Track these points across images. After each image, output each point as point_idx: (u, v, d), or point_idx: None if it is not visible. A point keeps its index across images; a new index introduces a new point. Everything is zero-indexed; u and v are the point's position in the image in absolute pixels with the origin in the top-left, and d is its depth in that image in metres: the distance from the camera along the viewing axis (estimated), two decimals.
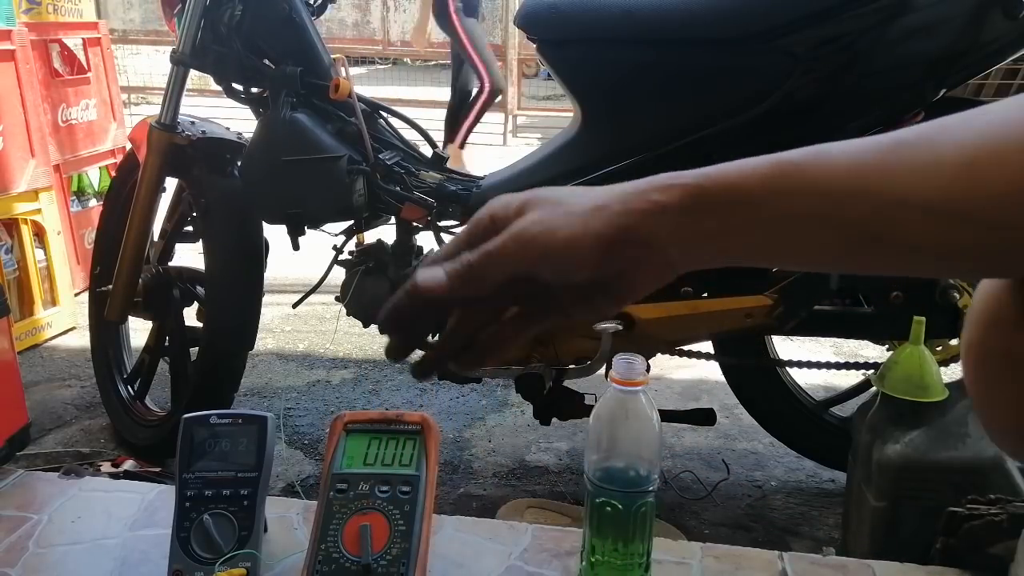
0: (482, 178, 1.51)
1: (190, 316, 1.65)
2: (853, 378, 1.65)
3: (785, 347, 1.96)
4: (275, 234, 1.55)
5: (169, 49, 1.54)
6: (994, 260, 0.38)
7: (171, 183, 1.62)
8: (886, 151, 0.39)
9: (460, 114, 4.04)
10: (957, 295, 1.31)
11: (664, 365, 2.00)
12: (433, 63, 7.77)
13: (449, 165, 1.56)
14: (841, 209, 0.39)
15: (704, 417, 1.42)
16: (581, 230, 0.43)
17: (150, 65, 5.99)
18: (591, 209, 0.43)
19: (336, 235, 1.54)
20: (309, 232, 1.51)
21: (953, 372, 1.51)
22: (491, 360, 0.48)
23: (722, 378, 1.55)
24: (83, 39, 2.61)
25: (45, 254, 2.31)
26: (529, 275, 0.44)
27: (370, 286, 1.50)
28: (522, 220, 0.44)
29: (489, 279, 0.44)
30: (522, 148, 5.19)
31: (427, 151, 1.58)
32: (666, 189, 0.42)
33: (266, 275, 1.59)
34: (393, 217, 1.51)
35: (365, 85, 5.71)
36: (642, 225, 0.42)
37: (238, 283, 1.56)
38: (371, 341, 2.21)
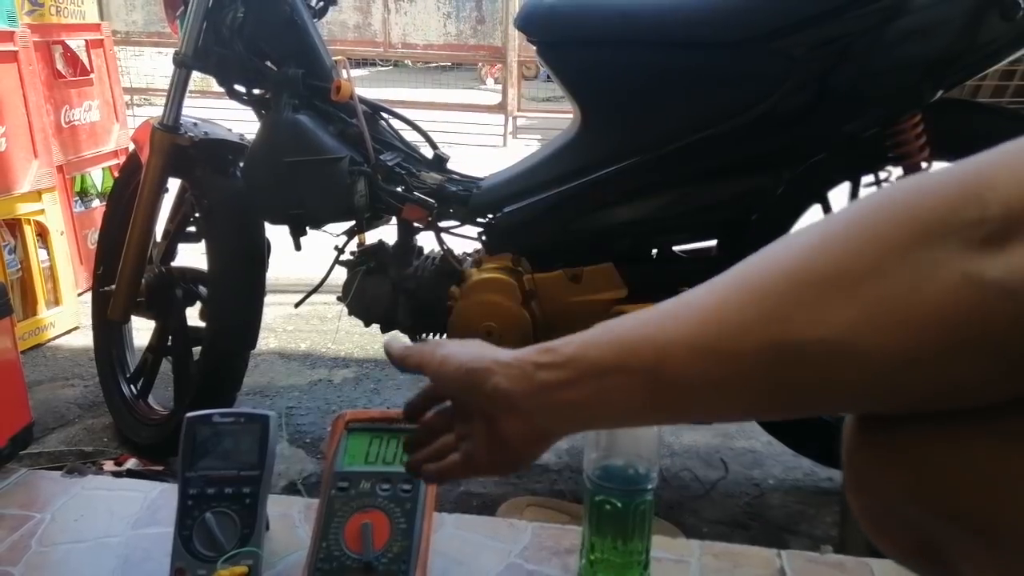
0: (482, 179, 1.52)
1: (192, 316, 1.66)
2: None
3: None
4: (277, 234, 1.56)
5: (171, 51, 1.55)
6: (758, 391, 0.41)
7: (174, 184, 1.63)
8: (671, 304, 0.45)
9: None
10: None
11: None
12: (434, 65, 7.78)
13: None
14: (634, 356, 0.45)
15: None
16: (453, 358, 0.56)
17: (152, 67, 6.00)
18: (475, 348, 0.56)
19: (338, 235, 1.55)
20: (311, 232, 1.52)
21: None
22: (443, 480, 0.63)
23: None
24: (86, 40, 2.62)
25: (48, 254, 2.32)
26: (431, 382, 0.60)
27: (371, 286, 1.51)
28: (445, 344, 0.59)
29: (409, 366, 0.61)
30: (522, 149, 5.19)
31: (428, 152, 1.59)
32: (526, 357, 0.52)
33: (268, 275, 1.60)
34: (394, 217, 1.52)
35: (366, 87, 5.71)
36: (495, 371, 0.52)
37: (240, 283, 1.56)
38: (372, 340, 2.21)
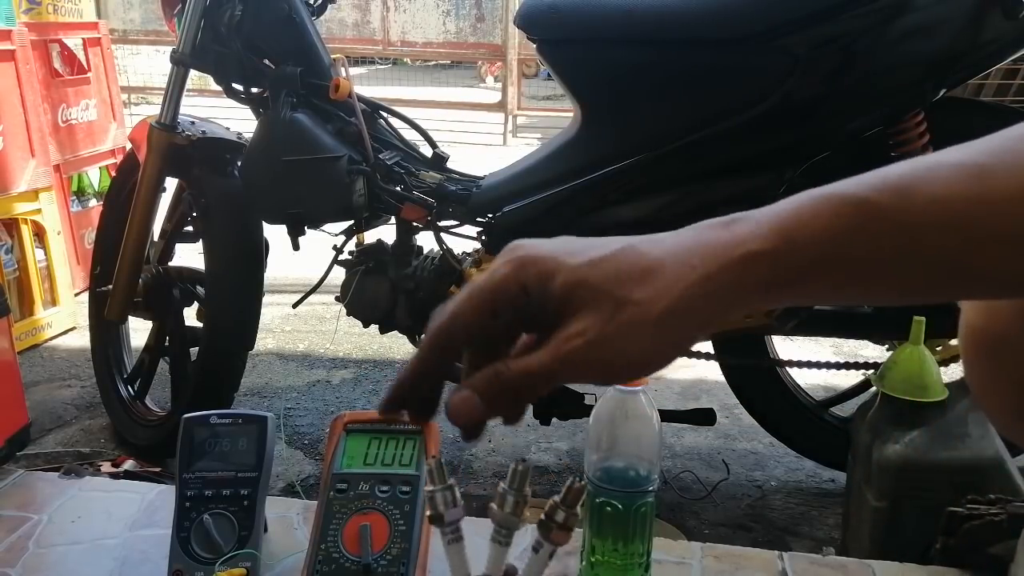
0: (482, 178, 1.51)
1: (190, 316, 1.65)
2: (853, 378, 1.65)
3: (785, 347, 1.96)
4: (275, 234, 1.55)
5: (169, 49, 1.54)
6: None
7: (171, 183, 1.62)
8: (970, 178, 0.38)
9: None
10: None
11: None
12: (433, 63, 7.78)
13: None
14: (930, 246, 0.38)
15: (704, 417, 1.42)
16: (651, 345, 0.40)
17: (150, 65, 5.98)
18: (662, 315, 0.39)
19: (336, 235, 1.54)
20: (309, 232, 1.51)
21: (953, 372, 1.51)
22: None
23: (722, 378, 1.55)
24: (83, 39, 2.61)
25: (45, 254, 2.31)
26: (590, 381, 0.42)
27: (370, 286, 1.50)
28: (570, 333, 0.40)
29: (530, 398, 0.42)
30: (522, 148, 5.18)
31: (427, 151, 1.58)
32: (740, 264, 0.39)
33: (266, 275, 1.59)
34: (393, 217, 1.51)
35: (365, 85, 5.71)
36: (715, 313, 0.40)
37: (238, 283, 1.56)
38: (371, 341, 2.21)
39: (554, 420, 1.47)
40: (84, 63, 2.60)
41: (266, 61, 1.49)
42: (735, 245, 0.39)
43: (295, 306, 1.63)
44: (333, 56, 1.50)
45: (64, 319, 2.34)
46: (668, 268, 0.40)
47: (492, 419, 0.42)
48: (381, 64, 8.04)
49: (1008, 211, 0.37)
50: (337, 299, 1.55)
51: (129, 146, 1.72)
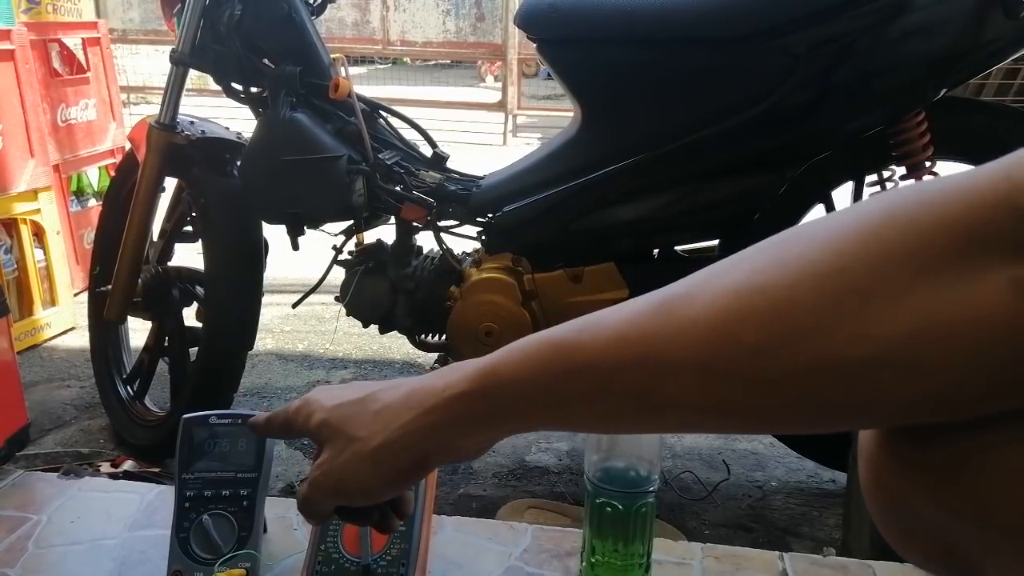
0: (482, 178, 1.51)
1: (189, 316, 1.65)
2: None
3: None
4: (275, 234, 1.55)
5: (168, 49, 1.54)
6: (771, 415, 0.38)
7: (170, 183, 1.62)
8: (652, 313, 0.40)
9: None
10: None
11: None
12: (433, 63, 7.78)
13: None
14: (615, 382, 0.40)
15: None
16: (371, 476, 0.50)
17: (149, 65, 5.98)
18: (376, 449, 0.49)
19: (336, 235, 1.54)
20: (309, 232, 1.51)
21: None
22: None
23: None
24: (82, 39, 2.60)
25: (44, 254, 2.31)
26: (343, 504, 0.54)
27: (370, 286, 1.50)
28: (317, 463, 0.52)
29: (318, 513, 0.54)
30: (522, 148, 5.18)
31: (427, 151, 1.58)
32: (446, 405, 0.46)
33: (266, 275, 1.59)
34: (393, 217, 1.51)
35: (365, 85, 5.70)
36: (429, 450, 0.48)
37: (237, 283, 1.55)
38: (370, 341, 2.20)
39: None
40: (83, 63, 2.60)
41: (265, 60, 1.49)
42: (446, 388, 0.46)
43: (295, 306, 1.63)
44: (333, 55, 1.49)
45: (63, 319, 2.34)
46: (390, 411, 0.49)
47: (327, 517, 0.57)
48: (381, 64, 8.04)
49: (683, 341, 0.38)
50: (337, 299, 1.55)
51: (128, 146, 1.72)
